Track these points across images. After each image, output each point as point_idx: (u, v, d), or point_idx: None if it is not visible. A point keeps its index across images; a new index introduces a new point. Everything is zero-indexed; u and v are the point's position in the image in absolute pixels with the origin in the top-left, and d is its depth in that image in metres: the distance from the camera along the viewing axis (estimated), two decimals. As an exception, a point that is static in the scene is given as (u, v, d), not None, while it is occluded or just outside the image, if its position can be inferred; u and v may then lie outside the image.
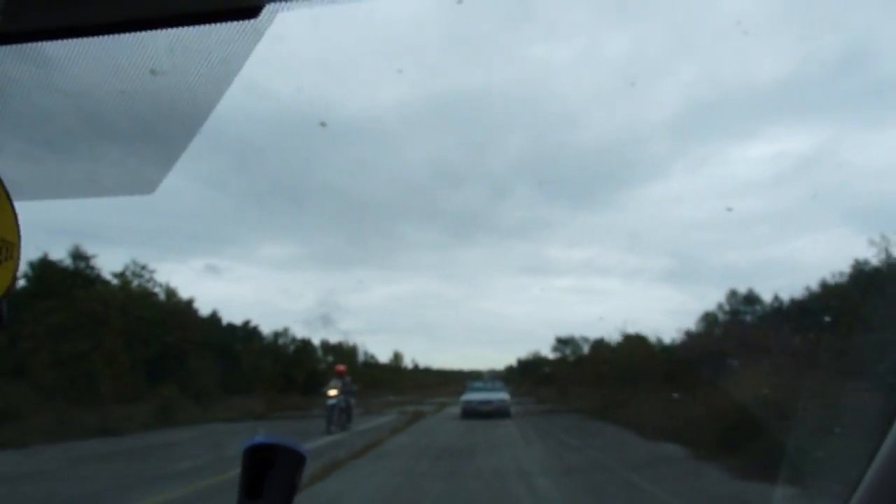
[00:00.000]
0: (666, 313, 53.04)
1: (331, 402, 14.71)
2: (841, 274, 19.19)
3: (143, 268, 30.22)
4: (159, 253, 51.18)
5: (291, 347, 42.00)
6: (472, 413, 19.85)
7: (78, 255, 27.78)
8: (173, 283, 31.10)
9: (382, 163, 49.90)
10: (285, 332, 41.62)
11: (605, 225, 48.97)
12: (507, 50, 41.66)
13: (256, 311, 60.13)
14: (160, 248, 48.12)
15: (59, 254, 26.71)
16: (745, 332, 17.81)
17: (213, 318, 34.78)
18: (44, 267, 25.76)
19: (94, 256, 27.74)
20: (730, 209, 37.71)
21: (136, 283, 30.34)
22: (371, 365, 58.82)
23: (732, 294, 25.99)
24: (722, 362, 13.10)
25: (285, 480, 0.83)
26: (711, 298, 37.44)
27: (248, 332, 39.15)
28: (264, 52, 0.79)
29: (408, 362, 70.74)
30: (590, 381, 24.28)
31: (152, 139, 0.97)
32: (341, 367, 16.42)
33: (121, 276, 29.53)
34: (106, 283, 28.54)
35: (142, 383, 22.60)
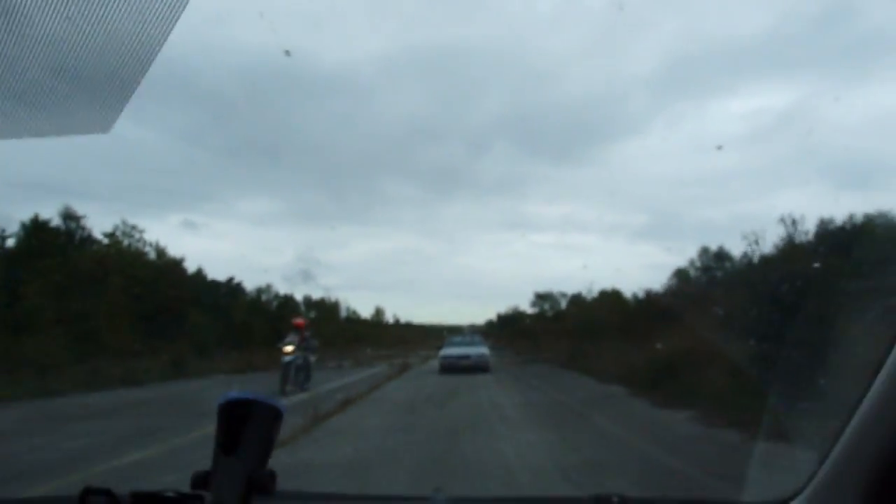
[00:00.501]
0: (645, 268, 53.98)
1: (286, 359, 13.79)
2: (806, 233, 20.69)
3: (133, 227, 31.91)
4: (135, 209, 51.34)
5: (275, 303, 43.83)
6: (451, 368, 19.86)
7: (68, 216, 29.39)
8: (151, 240, 32.72)
9: (361, 117, 50.62)
10: (268, 288, 43.13)
11: (584, 180, 51.17)
12: (486, 2, 41.57)
13: (236, 267, 60.53)
14: (135, 203, 48.48)
15: (40, 209, 27.69)
16: (689, 292, 20.33)
17: (199, 275, 36.60)
18: (36, 227, 27.33)
19: (84, 217, 28.98)
20: (720, 147, 38.90)
21: (126, 242, 32.11)
22: (353, 320, 60.78)
23: (704, 251, 27.50)
24: (668, 317, 15.58)
25: (262, 435, 0.84)
26: (689, 253, 39.17)
27: (231, 289, 40.93)
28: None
29: (389, 318, 72.43)
30: (561, 335, 26.99)
31: (104, 75, 0.94)
32: (299, 321, 15.41)
33: (111, 236, 31.29)
34: (98, 242, 30.27)
35: (141, 339, 24.47)
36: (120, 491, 0.95)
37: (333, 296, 57.72)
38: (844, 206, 33.99)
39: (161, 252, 33.90)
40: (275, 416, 0.85)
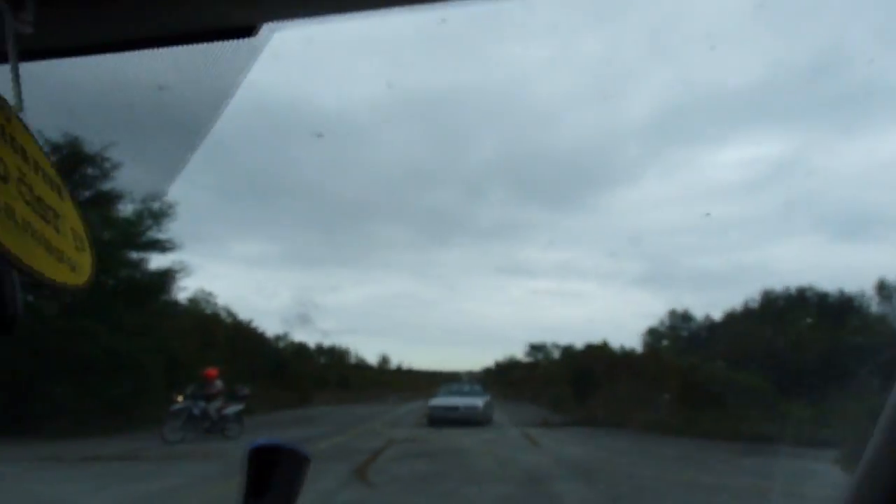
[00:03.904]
0: (642, 316, 59.22)
1: (175, 407, 15.43)
2: (753, 300, 27.95)
3: (210, 294, 45.86)
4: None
5: (289, 350, 56.46)
6: (440, 420, 20.41)
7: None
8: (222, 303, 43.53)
9: (355, 161, 52.33)
10: (285, 335, 49.59)
11: (581, 227, 53.50)
12: (482, 49, 43.96)
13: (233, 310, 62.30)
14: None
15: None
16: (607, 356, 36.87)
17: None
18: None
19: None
20: (708, 214, 42.01)
21: (203, 306, 47.42)
22: (361, 367, 72.64)
23: (672, 312, 33.41)
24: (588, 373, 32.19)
25: (290, 480, 0.95)
26: (685, 302, 45.01)
27: (254, 335, 54.09)
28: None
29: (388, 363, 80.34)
30: (539, 382, 43.35)
31: (158, 151, 1.14)
32: (211, 371, 16.65)
33: (193, 300, 46.42)
34: (182, 305, 45.23)
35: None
36: None
37: (342, 342, 61.74)
38: (840, 258, 38.28)
39: (233, 315, 48.16)
40: (301, 462, 0.96)
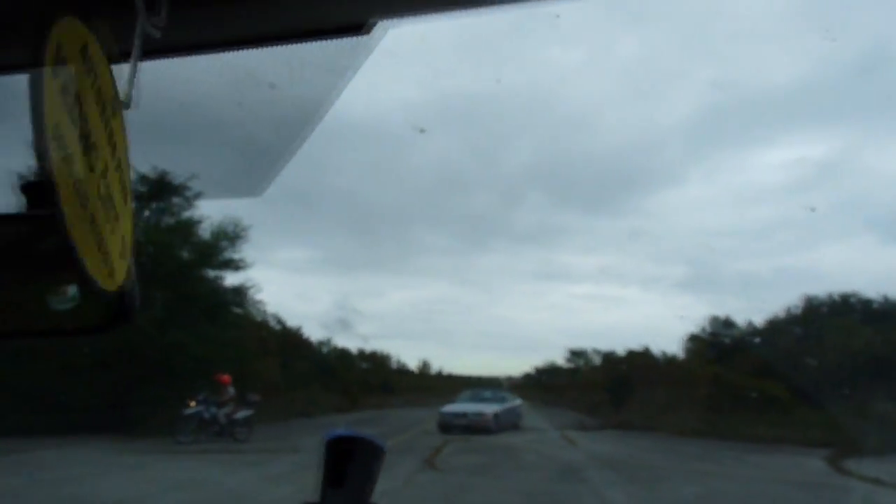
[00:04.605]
0: (684, 321, 59.17)
1: (186, 412, 16.24)
2: (796, 307, 28.26)
3: (260, 302, 49.03)
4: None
5: (332, 356, 58.45)
6: (449, 428, 20.38)
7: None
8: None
9: (392, 166, 52.31)
10: (328, 341, 49.53)
11: (621, 231, 51.49)
12: (519, 52, 42.44)
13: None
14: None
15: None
16: (643, 364, 38.87)
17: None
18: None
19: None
20: (813, 209, 38.99)
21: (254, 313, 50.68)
22: (403, 372, 74.05)
23: (714, 318, 32.73)
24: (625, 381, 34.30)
25: (366, 470, 1.00)
26: (729, 307, 45.41)
27: (302, 341, 56.49)
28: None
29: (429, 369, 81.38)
30: (577, 388, 45.54)
31: (264, 147, 1.18)
32: (224, 377, 17.80)
33: (245, 309, 49.83)
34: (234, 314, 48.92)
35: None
36: None
37: (383, 347, 62.18)
38: (889, 262, 37.61)
39: (281, 321, 50.58)
40: (377, 452, 1.01)
